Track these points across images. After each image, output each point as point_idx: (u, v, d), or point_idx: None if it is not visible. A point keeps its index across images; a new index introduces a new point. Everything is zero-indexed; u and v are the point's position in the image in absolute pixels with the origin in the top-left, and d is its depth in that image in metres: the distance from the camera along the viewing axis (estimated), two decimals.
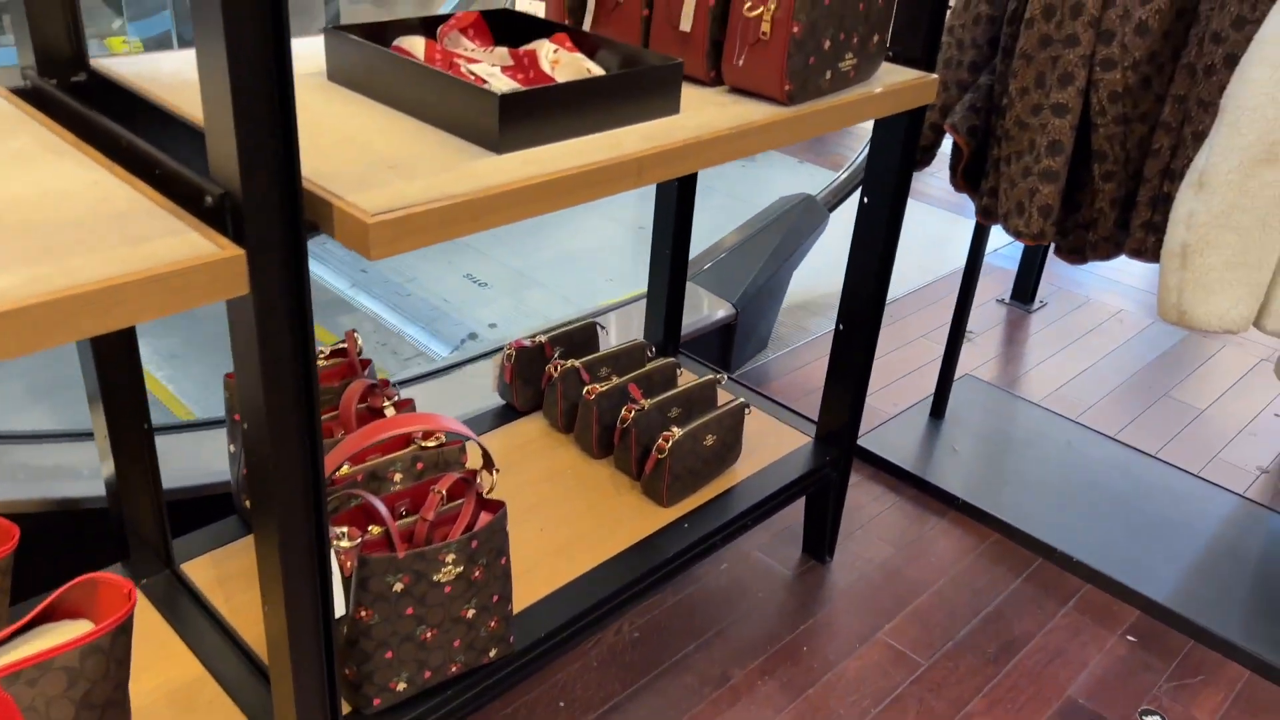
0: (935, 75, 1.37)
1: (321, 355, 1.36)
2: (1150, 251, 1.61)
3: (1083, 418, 2.32)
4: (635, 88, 1.05)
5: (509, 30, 1.26)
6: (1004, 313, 2.82)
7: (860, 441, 2.13)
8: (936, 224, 3.46)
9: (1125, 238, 1.64)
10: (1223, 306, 1.42)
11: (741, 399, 1.60)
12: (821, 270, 2.93)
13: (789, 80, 1.14)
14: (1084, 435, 2.23)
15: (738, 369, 2.45)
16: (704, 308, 2.37)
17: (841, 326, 1.61)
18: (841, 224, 2.54)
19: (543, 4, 1.29)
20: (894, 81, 1.31)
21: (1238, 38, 1.42)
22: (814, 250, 2.79)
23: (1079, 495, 2.01)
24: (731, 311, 2.38)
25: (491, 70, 1.05)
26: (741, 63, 1.15)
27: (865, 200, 1.53)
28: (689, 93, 1.19)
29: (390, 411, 1.28)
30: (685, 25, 1.17)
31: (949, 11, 1.75)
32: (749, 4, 1.12)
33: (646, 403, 1.52)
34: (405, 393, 1.84)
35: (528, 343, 1.67)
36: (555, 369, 1.61)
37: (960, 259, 3.11)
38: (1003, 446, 2.16)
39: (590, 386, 1.54)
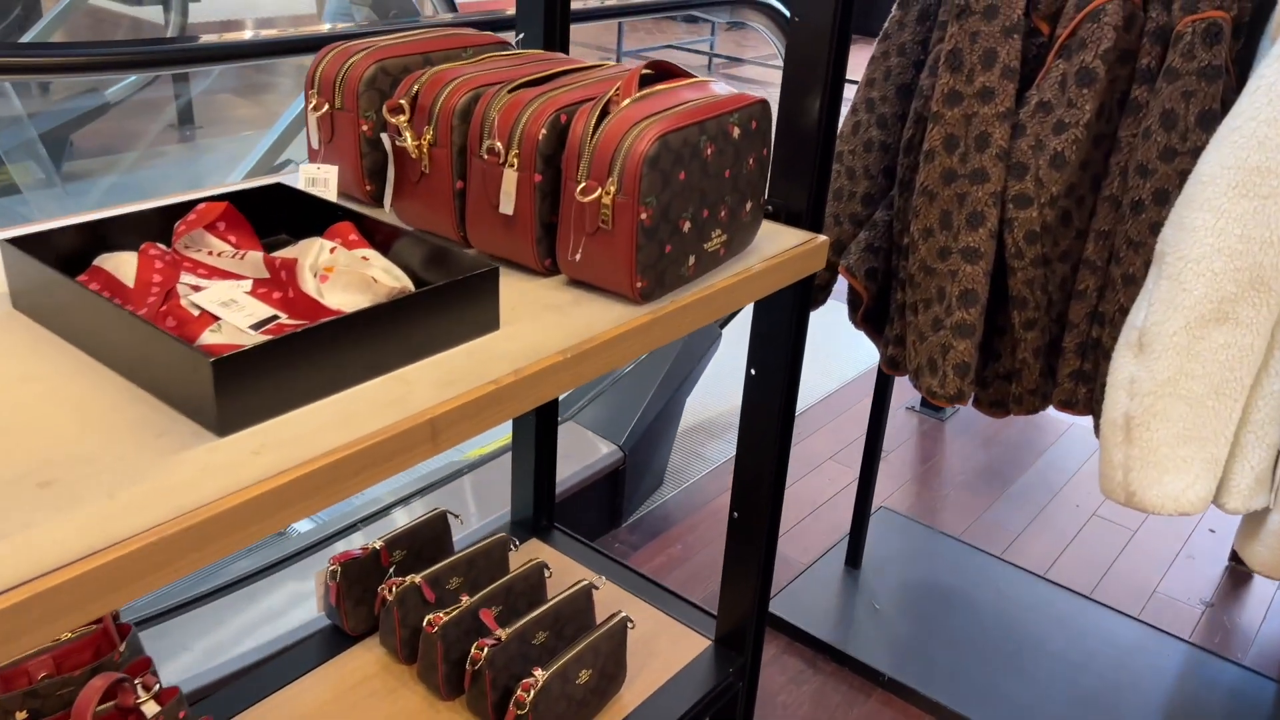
0: (824, 237, 1.14)
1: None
2: (1081, 403, 1.39)
3: (1010, 551, 2.10)
4: (433, 308, 0.78)
5: (284, 214, 0.98)
6: (915, 423, 2.61)
7: (771, 606, 1.87)
8: (839, 317, 3.26)
9: (1052, 388, 1.42)
10: (1176, 488, 1.20)
11: (622, 613, 1.32)
12: (714, 385, 2.69)
13: (640, 276, 0.89)
14: (1013, 577, 2.00)
15: (629, 516, 2.18)
16: (586, 453, 2.10)
17: (736, 514, 1.35)
18: (737, 330, 2.31)
19: (334, 172, 1.02)
20: (775, 252, 1.07)
21: (1167, 170, 1.22)
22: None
23: (1015, 659, 1.78)
24: (619, 454, 2.11)
25: (231, 296, 0.77)
26: (579, 257, 0.90)
27: (752, 372, 1.28)
28: (516, 289, 0.92)
29: (150, 709, 0.97)
30: (506, 207, 0.91)
31: (837, 137, 1.53)
32: (582, 186, 0.87)
33: (504, 633, 1.23)
34: (180, 619, 1.52)
35: (358, 552, 1.37)
36: (390, 590, 1.31)
37: (866, 357, 2.90)
38: (928, 600, 1.92)
39: (432, 617, 1.25)
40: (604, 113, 0.91)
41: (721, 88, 1.00)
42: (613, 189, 0.85)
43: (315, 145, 1.06)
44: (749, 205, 1.01)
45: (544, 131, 0.91)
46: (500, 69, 1.02)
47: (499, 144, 0.93)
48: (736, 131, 0.96)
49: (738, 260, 1.05)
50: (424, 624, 1.26)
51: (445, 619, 1.25)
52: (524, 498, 1.69)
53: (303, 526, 1.84)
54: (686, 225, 0.92)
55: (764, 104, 1.00)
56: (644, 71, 0.97)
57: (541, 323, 0.87)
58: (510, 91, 0.96)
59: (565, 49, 1.35)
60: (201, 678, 1.45)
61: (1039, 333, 1.37)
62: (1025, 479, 2.39)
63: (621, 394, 2.25)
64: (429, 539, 1.45)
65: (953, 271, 1.35)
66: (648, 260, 0.89)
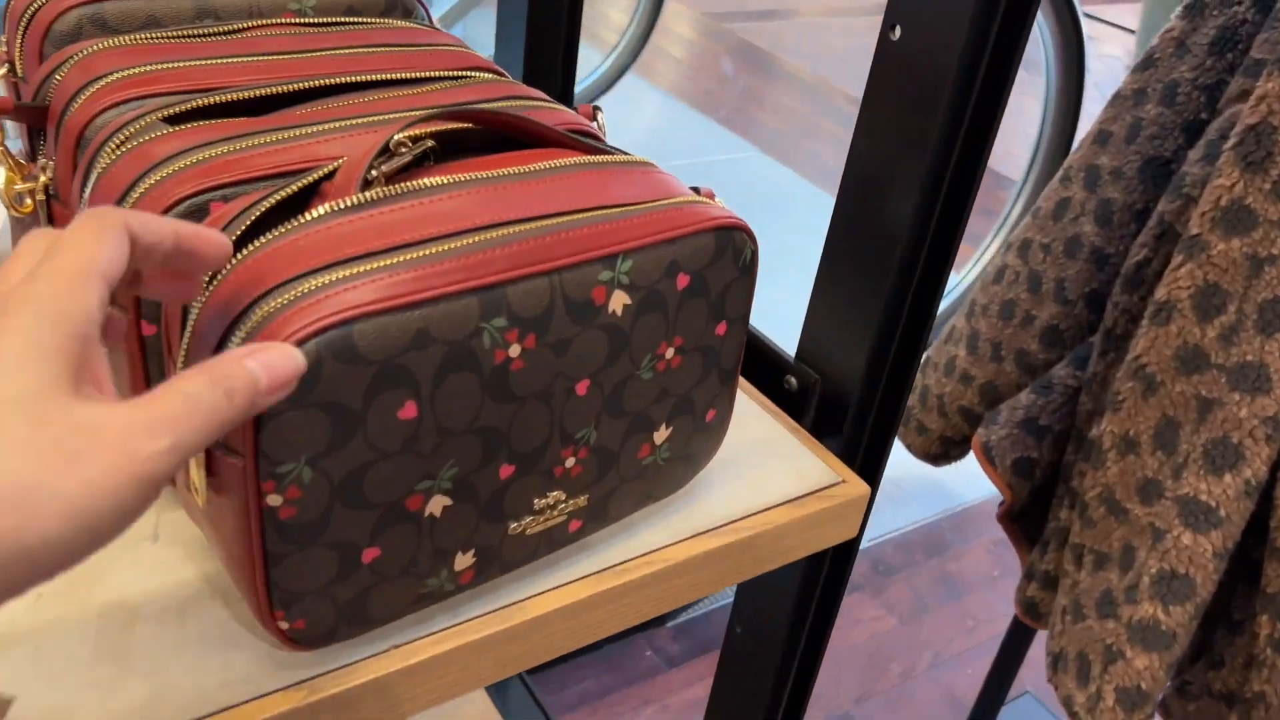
0: (862, 490, 0.57)
1: None
2: None
3: None
4: None
5: None
6: None
7: None
8: None
9: None
10: None
11: None
12: None
13: (278, 606, 0.38)
14: None
15: (679, 612, 1.67)
16: None
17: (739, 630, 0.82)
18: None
19: None
20: (740, 511, 0.52)
21: None
22: None
23: None
24: None
25: None
26: (203, 502, 0.39)
27: (737, 630, 0.74)
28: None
29: None
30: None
31: (1033, 211, 0.91)
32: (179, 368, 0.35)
33: None
34: None
35: None
36: None
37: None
38: None
39: None
40: (299, 204, 0.40)
41: (640, 176, 0.47)
42: None
43: None
44: (666, 430, 0.48)
45: None
46: (269, 60, 0.51)
47: None
48: (627, 300, 0.43)
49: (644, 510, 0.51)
50: None
51: None
52: None
53: None
54: (439, 505, 0.41)
55: (728, 231, 0.46)
56: (465, 111, 0.44)
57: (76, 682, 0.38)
58: (174, 121, 0.46)
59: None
60: None
61: None
62: None
63: None
64: None
65: (1157, 530, 0.73)
66: (299, 580, 0.39)
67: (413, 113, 0.48)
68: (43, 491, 0.26)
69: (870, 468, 0.64)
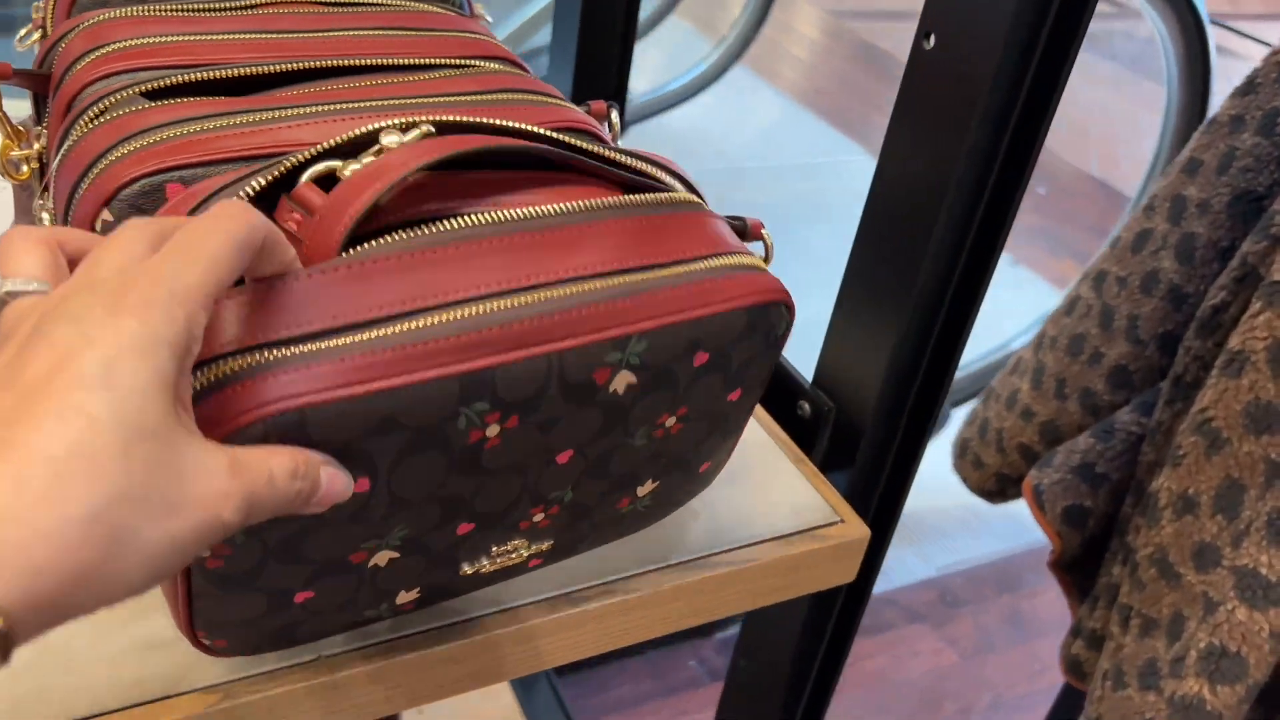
0: (861, 533, 0.53)
1: None
2: None
3: None
4: None
5: None
6: None
7: None
8: None
9: None
10: None
11: None
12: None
13: (200, 629, 0.37)
14: None
15: (726, 623, 1.63)
16: None
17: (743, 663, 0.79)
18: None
19: None
20: (719, 543, 0.49)
21: None
22: None
23: None
24: None
25: None
26: None
27: (742, 664, 0.70)
28: None
29: None
30: None
31: (1111, 240, 0.84)
32: None
33: None
34: None
35: None
36: None
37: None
38: None
39: None
40: (268, 197, 0.37)
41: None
42: None
43: None
44: (652, 484, 0.44)
45: (106, 216, 0.40)
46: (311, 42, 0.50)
47: (48, 210, 0.43)
48: (632, 380, 0.39)
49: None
50: None
51: None
52: None
53: None
54: (385, 559, 0.39)
55: (764, 308, 0.42)
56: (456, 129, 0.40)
57: None
58: (154, 96, 0.45)
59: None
60: None
61: None
62: None
63: None
64: None
65: (1210, 601, 0.67)
66: (222, 614, 0.37)
67: (394, 101, 0.46)
68: (136, 540, 0.26)
69: (887, 508, 0.60)
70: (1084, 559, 0.85)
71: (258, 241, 0.31)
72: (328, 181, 0.36)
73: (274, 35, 0.51)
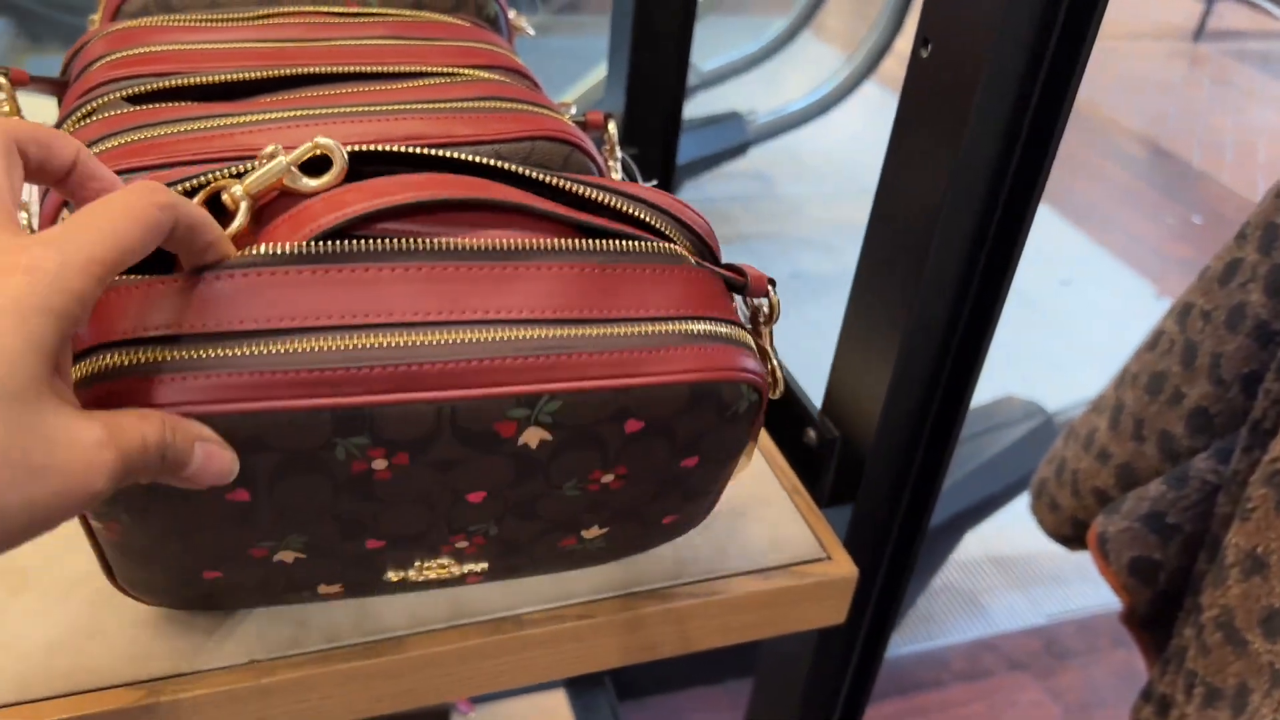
0: (848, 572, 0.50)
1: None
2: None
3: None
4: None
5: None
6: None
7: None
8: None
9: None
10: None
11: None
12: None
13: (128, 584, 0.37)
14: None
15: None
16: None
17: None
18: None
19: None
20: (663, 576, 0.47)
21: None
22: None
23: None
24: None
25: None
26: None
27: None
28: None
29: None
30: None
31: (1200, 274, 0.77)
32: None
33: None
34: None
35: None
36: None
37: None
38: None
39: None
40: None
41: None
42: None
43: None
44: (600, 530, 0.42)
45: (65, 215, 0.41)
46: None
47: None
48: (546, 437, 0.37)
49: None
50: None
51: None
52: None
53: None
54: (290, 557, 0.38)
55: (715, 385, 0.38)
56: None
57: None
58: (135, 100, 0.46)
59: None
60: None
61: None
62: None
63: None
64: None
65: (1277, 673, 0.60)
66: (135, 577, 0.38)
67: (363, 108, 0.46)
68: None
69: (901, 547, 0.56)
70: (1159, 616, 0.78)
71: (167, 225, 0.31)
72: (217, 202, 0.36)
73: (275, 44, 0.52)
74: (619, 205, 0.40)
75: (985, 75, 0.42)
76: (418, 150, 0.38)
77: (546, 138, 0.47)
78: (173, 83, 0.47)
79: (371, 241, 0.35)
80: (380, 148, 0.37)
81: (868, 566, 0.55)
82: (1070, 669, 1.56)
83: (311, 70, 0.49)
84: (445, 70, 0.51)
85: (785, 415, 0.58)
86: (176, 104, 0.46)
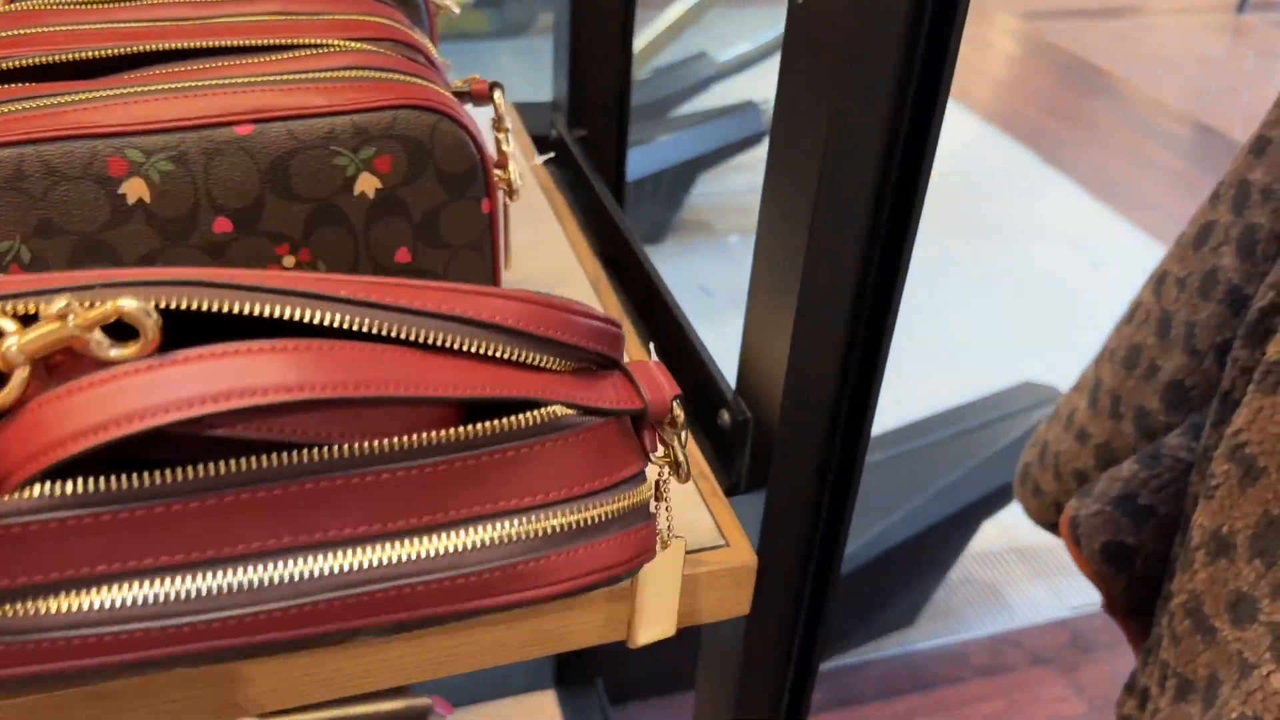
0: (748, 561, 0.47)
1: None
2: None
3: None
4: None
5: None
6: None
7: None
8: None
9: None
10: None
11: None
12: None
13: None
14: None
15: (828, 656, 1.53)
16: None
17: None
18: None
19: None
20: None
21: None
22: None
23: None
24: None
25: None
26: None
27: None
28: None
29: None
30: None
31: (1176, 240, 0.73)
32: None
33: None
34: None
35: None
36: None
37: None
38: None
39: None
40: None
41: None
42: None
43: None
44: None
45: None
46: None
47: None
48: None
49: None
50: None
51: None
52: None
53: None
54: None
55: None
56: None
57: None
58: None
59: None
60: None
61: None
62: None
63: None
64: None
65: (1245, 662, 0.55)
66: None
67: (217, 82, 0.44)
68: None
69: (826, 535, 0.53)
70: (1143, 604, 0.74)
71: None
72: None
73: (152, 23, 0.50)
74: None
75: (876, 24, 0.39)
76: (248, 310, 0.31)
77: (411, 106, 0.45)
78: (27, 62, 0.45)
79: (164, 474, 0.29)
80: (202, 306, 0.30)
81: (786, 555, 0.52)
82: (1096, 663, 1.51)
83: (170, 46, 0.47)
84: (315, 43, 0.49)
85: (701, 398, 0.55)
86: (28, 84, 0.44)
